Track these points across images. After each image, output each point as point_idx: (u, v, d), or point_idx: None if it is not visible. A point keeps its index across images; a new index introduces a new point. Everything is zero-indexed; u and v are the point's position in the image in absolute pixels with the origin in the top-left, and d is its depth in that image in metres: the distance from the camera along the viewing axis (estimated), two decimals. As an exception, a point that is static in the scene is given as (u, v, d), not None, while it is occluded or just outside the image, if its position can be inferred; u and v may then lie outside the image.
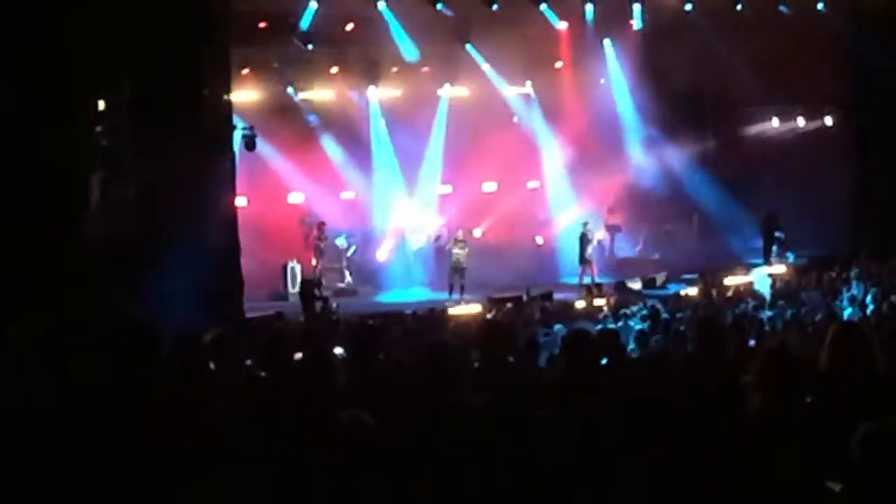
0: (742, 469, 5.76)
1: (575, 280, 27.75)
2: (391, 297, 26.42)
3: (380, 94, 28.62)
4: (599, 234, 29.90)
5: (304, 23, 25.12)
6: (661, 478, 5.72)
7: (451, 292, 25.50)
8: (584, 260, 27.94)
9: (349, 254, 28.68)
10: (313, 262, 27.15)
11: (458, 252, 25.77)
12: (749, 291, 22.88)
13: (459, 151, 29.11)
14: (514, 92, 30.24)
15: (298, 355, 8.39)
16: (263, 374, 8.26)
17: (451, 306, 23.64)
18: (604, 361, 8.56)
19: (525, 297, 23.98)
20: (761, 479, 5.68)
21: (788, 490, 5.64)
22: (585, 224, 28.19)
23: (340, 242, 28.43)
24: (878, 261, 22.62)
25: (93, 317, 6.56)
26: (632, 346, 12.79)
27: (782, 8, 27.94)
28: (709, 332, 8.15)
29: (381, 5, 25.73)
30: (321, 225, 26.94)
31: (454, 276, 25.64)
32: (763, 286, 23.57)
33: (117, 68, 19.44)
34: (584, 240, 28.03)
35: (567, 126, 30.13)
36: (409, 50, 26.86)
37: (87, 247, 18.96)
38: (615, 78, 30.25)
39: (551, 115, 30.36)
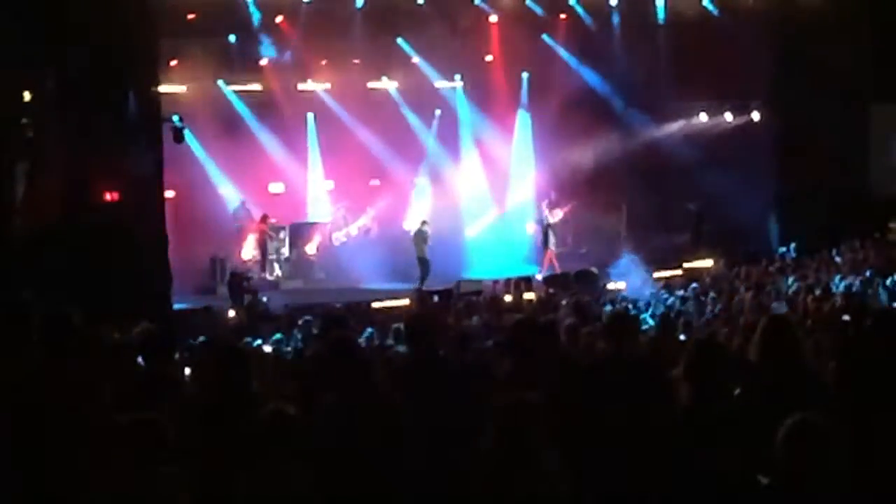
0: (672, 461, 5.80)
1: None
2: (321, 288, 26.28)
3: (310, 87, 28.49)
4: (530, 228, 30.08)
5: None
6: (592, 472, 5.75)
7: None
8: (546, 248, 28.11)
9: (280, 247, 28.54)
10: (255, 255, 27.01)
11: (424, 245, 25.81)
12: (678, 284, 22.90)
13: (389, 145, 29.09)
14: (443, 85, 30.17)
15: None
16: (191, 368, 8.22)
17: (383, 299, 23.51)
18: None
19: (455, 291, 23.91)
20: (692, 471, 5.72)
21: (718, 482, 5.68)
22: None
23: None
24: (805, 254, 22.85)
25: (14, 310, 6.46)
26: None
27: (707, 4, 28.19)
28: (619, 326, 8.08)
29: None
30: (265, 217, 26.84)
31: (420, 268, 25.63)
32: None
33: (43, 59, 19.22)
34: (544, 227, 28.25)
35: (497, 119, 30.21)
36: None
37: (12, 239, 18.75)
38: (547, 73, 30.24)
39: (481, 108, 30.37)
